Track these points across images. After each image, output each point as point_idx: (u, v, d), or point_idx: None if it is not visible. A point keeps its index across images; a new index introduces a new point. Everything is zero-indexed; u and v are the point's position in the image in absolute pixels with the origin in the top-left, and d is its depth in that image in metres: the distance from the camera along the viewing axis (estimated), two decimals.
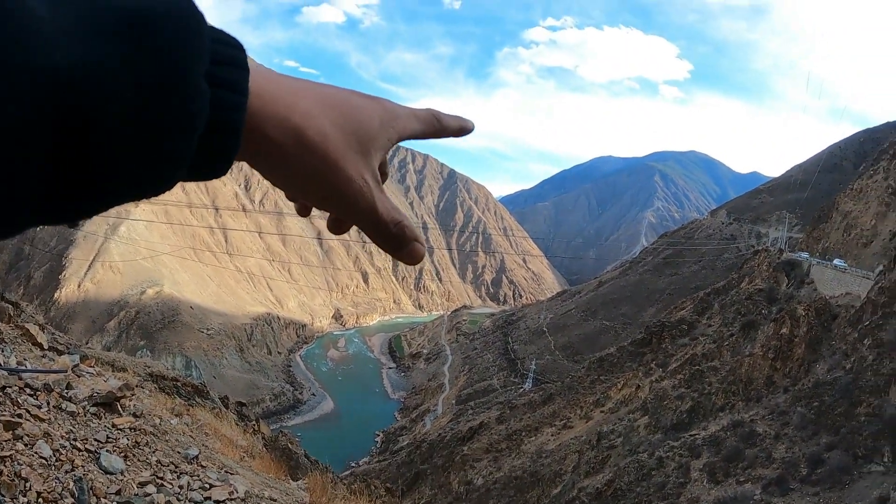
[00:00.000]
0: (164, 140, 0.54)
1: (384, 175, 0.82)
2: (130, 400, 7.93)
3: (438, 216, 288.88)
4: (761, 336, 41.99)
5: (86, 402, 7.04)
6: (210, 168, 0.61)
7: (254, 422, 16.05)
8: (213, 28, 0.61)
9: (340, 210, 0.77)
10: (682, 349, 53.55)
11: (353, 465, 74.34)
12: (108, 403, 7.19)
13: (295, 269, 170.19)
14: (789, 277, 55.51)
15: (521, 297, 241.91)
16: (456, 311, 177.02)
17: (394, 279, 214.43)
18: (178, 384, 14.02)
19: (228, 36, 0.62)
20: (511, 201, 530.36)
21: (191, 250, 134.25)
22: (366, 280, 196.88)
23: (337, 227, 0.84)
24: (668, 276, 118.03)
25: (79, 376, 8.48)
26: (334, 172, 0.71)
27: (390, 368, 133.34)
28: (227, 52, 0.61)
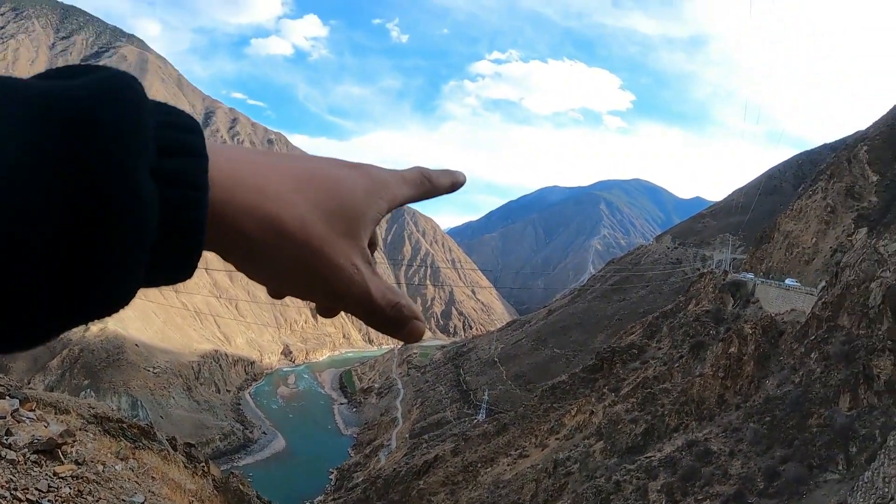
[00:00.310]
0: (108, 258, 0.46)
1: (373, 247, 0.75)
2: (72, 446, 7.42)
3: (386, 249, 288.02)
4: (711, 356, 42.40)
5: (26, 450, 6.54)
6: (172, 273, 0.54)
7: (203, 463, 15.39)
8: (159, 107, 0.51)
9: (330, 300, 0.69)
10: (633, 373, 53.79)
11: (307, 503, 72.71)
12: (50, 450, 6.71)
13: (242, 306, 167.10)
14: (735, 298, 56.45)
15: (471, 328, 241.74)
16: (406, 344, 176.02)
17: (343, 314, 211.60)
18: (124, 426, 13.35)
19: (180, 115, 0.53)
20: (459, 233, 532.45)
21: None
22: (314, 315, 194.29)
23: (327, 312, 0.76)
24: (617, 302, 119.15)
25: (18, 421, 7.94)
26: (319, 261, 0.63)
27: (342, 404, 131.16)
28: (179, 138, 0.51)
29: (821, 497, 18.62)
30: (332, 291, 0.66)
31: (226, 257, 0.61)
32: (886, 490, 14.84)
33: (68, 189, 0.42)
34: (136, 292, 0.51)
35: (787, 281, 52.20)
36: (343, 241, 0.65)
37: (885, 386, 21.99)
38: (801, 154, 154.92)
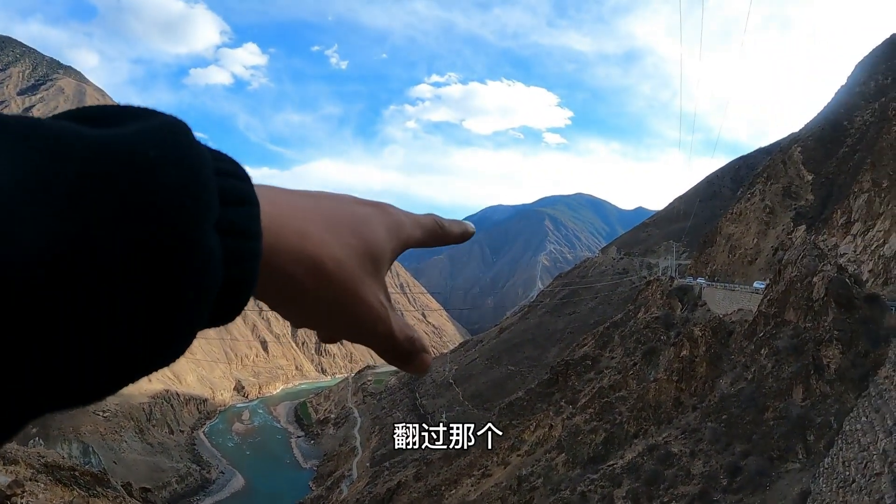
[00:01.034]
0: (180, 315, 0.47)
1: None
2: (22, 497, 7.02)
3: None
4: (663, 361, 42.92)
5: None
6: (222, 319, 0.55)
7: None
8: (212, 154, 0.50)
9: (354, 335, 0.71)
10: (589, 384, 54.14)
11: None
12: None
13: (192, 343, 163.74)
14: (683, 302, 57.38)
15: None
16: (360, 371, 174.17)
17: (294, 345, 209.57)
18: (76, 474, 12.86)
19: (230, 161, 0.52)
20: (406, 257, 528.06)
21: None
22: (265, 348, 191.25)
23: (330, 339, 0.76)
24: (567, 315, 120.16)
25: None
26: (353, 301, 0.65)
27: (299, 437, 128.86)
28: (235, 186, 0.51)
29: (784, 487, 18.90)
30: (360, 328, 0.68)
31: (267, 300, 0.62)
32: (847, 473, 15.12)
33: (140, 252, 0.42)
34: (191, 339, 0.51)
35: (756, 284, 53.49)
36: (371, 280, 0.67)
37: (835, 374, 22.50)
38: (737, 159, 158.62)
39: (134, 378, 0.49)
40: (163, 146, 0.45)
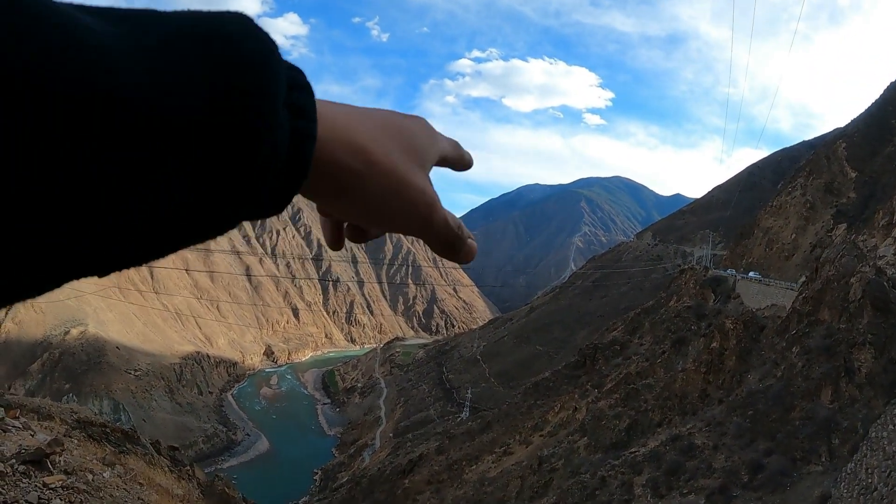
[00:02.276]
0: (249, 173, 0.51)
1: None
2: (61, 455, 7.30)
3: (367, 249, 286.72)
4: (692, 351, 42.76)
5: (14, 461, 6.42)
6: (276, 202, 0.58)
7: (188, 466, 15.27)
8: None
9: (408, 223, 0.75)
10: (616, 369, 54.02)
11: None
12: (38, 460, 6.58)
13: (224, 307, 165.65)
14: (716, 293, 56.87)
15: (453, 326, 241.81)
16: (389, 343, 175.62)
17: (325, 313, 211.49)
18: (108, 430, 13.21)
19: (287, 61, 0.58)
20: None
21: (115, 288, 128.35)
22: (296, 315, 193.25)
23: (359, 235, 0.83)
24: (599, 299, 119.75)
25: (4, 431, 7.80)
26: (406, 188, 0.70)
27: (325, 404, 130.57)
28: (295, 75, 0.58)
29: (805, 489, 18.84)
30: (415, 214, 0.73)
31: (315, 193, 0.66)
32: (870, 481, 15.04)
33: (234, 107, 0.48)
34: (251, 215, 0.56)
35: (750, 274, 52.70)
36: (420, 171, 0.73)
37: (866, 379, 22.27)
38: (779, 151, 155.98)
39: (193, 238, 0.52)
40: (244, 24, 0.53)
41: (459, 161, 0.91)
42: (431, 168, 0.79)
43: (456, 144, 0.90)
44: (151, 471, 11.74)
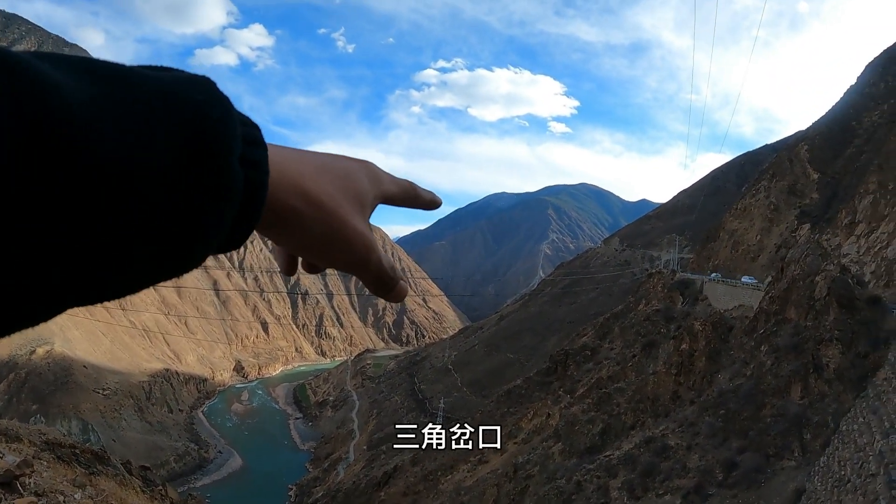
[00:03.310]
0: (210, 221, 0.61)
1: None
2: (30, 477, 7.12)
3: None
4: (663, 354, 43.15)
5: None
6: (233, 242, 0.69)
7: (160, 486, 15.03)
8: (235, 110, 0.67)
9: (347, 262, 0.84)
10: (587, 374, 54.33)
11: None
12: (7, 482, 6.42)
13: (192, 322, 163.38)
14: (684, 296, 57.52)
15: (423, 336, 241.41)
16: (360, 355, 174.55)
17: (294, 327, 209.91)
18: (77, 451, 12.95)
19: (244, 115, 0.68)
20: (408, 242, 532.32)
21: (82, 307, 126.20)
22: (266, 329, 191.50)
23: (313, 268, 0.91)
24: (568, 305, 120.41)
25: None
26: (345, 229, 0.79)
27: (297, 419, 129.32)
28: (251, 132, 0.67)
29: (779, 484, 19.07)
30: (353, 254, 0.83)
31: (267, 231, 0.77)
32: (843, 473, 15.27)
33: (195, 166, 0.57)
34: (208, 255, 0.66)
35: (744, 278, 53.35)
36: (360, 213, 0.83)
37: (834, 374, 22.65)
38: (743, 155, 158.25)
39: (157, 279, 0.63)
40: (206, 88, 0.62)
41: (414, 200, 0.99)
42: (373, 210, 0.88)
43: (407, 186, 0.97)
44: (123, 491, 11.52)
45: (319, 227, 0.77)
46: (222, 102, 0.63)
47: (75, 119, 0.49)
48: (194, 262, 0.64)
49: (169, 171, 0.56)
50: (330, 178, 0.81)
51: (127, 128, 0.53)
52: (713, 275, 57.68)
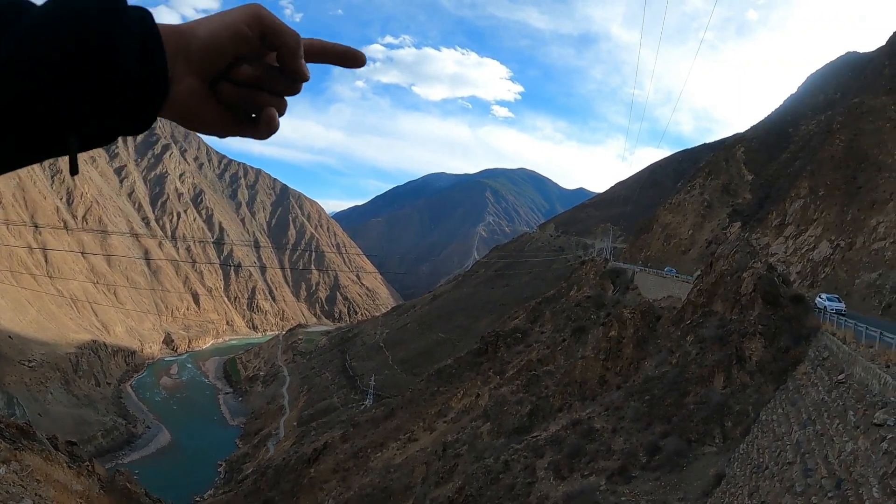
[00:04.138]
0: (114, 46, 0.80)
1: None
2: None
3: (271, 233, 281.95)
4: (592, 339, 44.08)
5: None
6: (154, 87, 0.86)
7: (87, 462, 14.83)
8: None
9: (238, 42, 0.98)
10: (517, 356, 55.10)
11: (197, 498, 70.41)
12: None
13: (121, 292, 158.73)
14: (615, 284, 58.72)
15: (356, 313, 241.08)
16: (291, 330, 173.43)
17: (226, 299, 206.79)
18: (1, 426, 12.66)
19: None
20: (344, 217, 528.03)
21: (7, 272, 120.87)
22: (197, 301, 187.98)
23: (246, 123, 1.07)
24: (501, 288, 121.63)
25: None
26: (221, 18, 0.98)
27: (227, 394, 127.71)
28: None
29: (700, 468, 19.85)
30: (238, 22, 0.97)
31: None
32: (761, 460, 16.01)
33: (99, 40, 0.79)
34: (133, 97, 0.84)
35: (667, 269, 54.63)
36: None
37: (756, 366, 23.57)
38: (681, 152, 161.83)
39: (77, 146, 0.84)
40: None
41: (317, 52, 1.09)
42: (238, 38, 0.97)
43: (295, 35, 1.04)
44: (49, 467, 11.37)
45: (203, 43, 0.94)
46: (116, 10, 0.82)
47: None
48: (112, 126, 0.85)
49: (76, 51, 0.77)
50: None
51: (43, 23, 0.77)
52: (667, 269, 59.10)
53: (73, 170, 0.89)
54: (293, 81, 1.04)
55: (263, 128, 1.03)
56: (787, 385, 19.86)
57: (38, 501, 7.15)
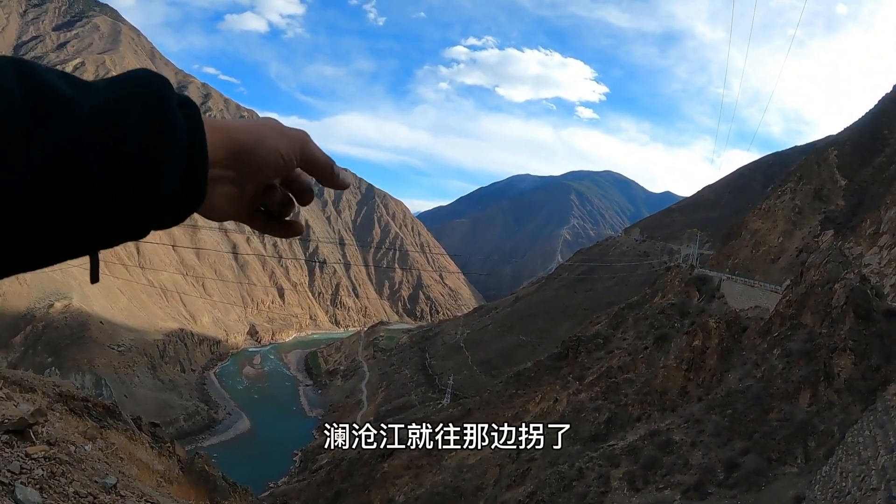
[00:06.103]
0: (164, 161, 0.76)
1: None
2: (43, 426, 7.32)
3: (356, 231, 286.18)
4: (674, 348, 43.01)
5: None
6: (189, 196, 0.82)
7: (168, 443, 15.28)
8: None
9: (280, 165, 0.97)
10: (598, 362, 54.32)
11: (271, 485, 72.10)
12: (20, 431, 6.62)
13: (209, 284, 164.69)
14: (700, 292, 57.18)
15: (437, 312, 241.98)
16: (373, 326, 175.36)
17: (310, 295, 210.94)
18: (89, 405, 13.20)
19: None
20: (428, 217, 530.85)
21: (101, 262, 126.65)
22: (282, 295, 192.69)
23: (279, 225, 1.10)
24: (584, 292, 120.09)
25: None
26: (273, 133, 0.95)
27: (307, 386, 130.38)
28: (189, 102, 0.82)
29: (779, 489, 19.14)
30: (282, 159, 0.96)
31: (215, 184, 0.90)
32: (843, 484, 15.31)
33: (146, 114, 0.76)
34: (165, 209, 0.80)
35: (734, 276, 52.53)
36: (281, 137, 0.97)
37: (844, 384, 22.60)
38: (770, 155, 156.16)
39: (111, 241, 0.81)
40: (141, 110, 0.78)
41: (331, 175, 1.10)
42: (293, 160, 0.99)
43: (329, 159, 1.09)
44: (132, 446, 11.76)
45: (251, 157, 0.91)
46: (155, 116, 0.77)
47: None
48: (150, 221, 0.80)
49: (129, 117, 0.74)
50: (257, 125, 0.93)
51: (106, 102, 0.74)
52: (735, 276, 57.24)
53: (94, 278, 0.96)
54: (312, 197, 1.13)
55: (292, 230, 1.10)
56: (876, 406, 18.89)
57: (121, 479, 7.39)
